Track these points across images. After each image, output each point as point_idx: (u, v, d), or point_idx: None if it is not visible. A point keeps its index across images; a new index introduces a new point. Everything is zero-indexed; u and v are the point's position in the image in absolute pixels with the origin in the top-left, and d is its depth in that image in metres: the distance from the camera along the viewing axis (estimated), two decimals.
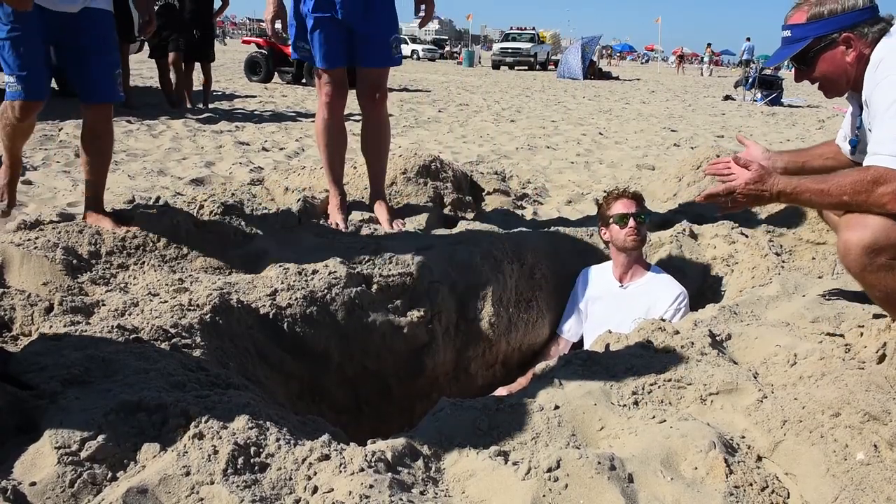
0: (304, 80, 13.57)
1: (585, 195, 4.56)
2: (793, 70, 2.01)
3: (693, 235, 3.50)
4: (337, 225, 3.16)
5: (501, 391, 2.63)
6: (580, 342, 3.15)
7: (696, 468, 1.46)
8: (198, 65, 8.67)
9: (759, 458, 1.54)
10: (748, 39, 24.63)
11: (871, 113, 1.76)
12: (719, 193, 1.88)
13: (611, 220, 3.06)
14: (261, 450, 1.44)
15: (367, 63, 3.21)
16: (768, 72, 14.92)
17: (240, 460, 1.39)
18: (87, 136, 2.80)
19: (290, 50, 3.42)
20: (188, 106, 8.30)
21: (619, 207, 3.05)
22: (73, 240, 2.53)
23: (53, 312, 2.05)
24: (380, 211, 3.29)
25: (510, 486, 1.38)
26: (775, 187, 1.82)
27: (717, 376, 1.80)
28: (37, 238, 2.47)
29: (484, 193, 4.14)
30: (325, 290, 2.43)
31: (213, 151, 5.89)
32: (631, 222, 3.00)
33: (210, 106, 8.62)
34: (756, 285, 2.85)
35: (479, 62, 36.21)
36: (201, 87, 8.79)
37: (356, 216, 3.28)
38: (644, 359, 1.94)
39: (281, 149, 6.23)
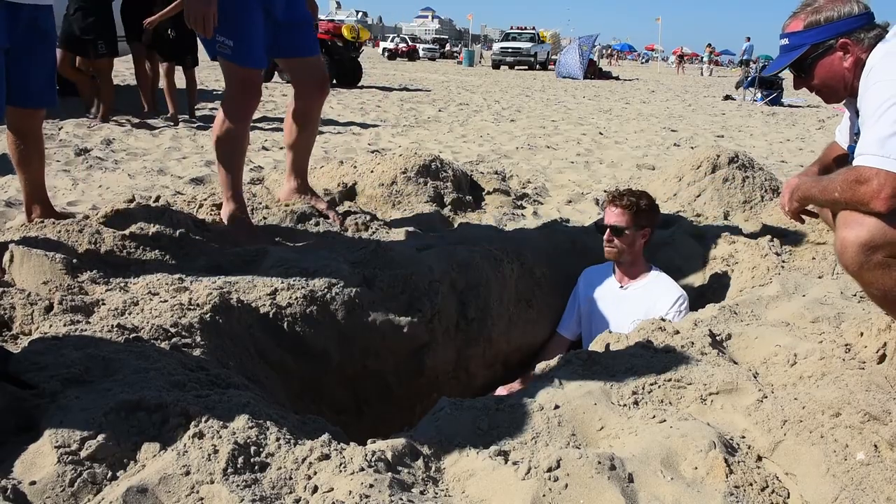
0: None
1: (585, 195, 4.56)
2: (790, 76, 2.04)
3: (693, 235, 3.49)
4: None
5: (501, 391, 2.63)
6: (580, 342, 3.15)
7: (696, 468, 1.46)
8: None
9: (759, 458, 1.54)
10: (748, 39, 24.69)
11: (862, 117, 1.78)
12: (786, 213, 2.10)
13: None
14: (261, 449, 1.44)
15: (311, 52, 3.03)
16: None
17: (240, 460, 1.39)
18: (27, 141, 2.68)
19: None
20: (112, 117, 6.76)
21: (605, 215, 3.04)
22: (73, 239, 2.52)
23: (53, 312, 2.05)
24: (318, 201, 3.26)
25: (510, 486, 1.38)
26: (798, 190, 1.98)
27: (718, 376, 1.80)
28: (37, 237, 2.47)
29: (484, 193, 4.14)
30: (325, 290, 2.43)
31: (213, 150, 5.88)
32: (606, 234, 2.98)
33: (198, 115, 7.54)
34: (756, 285, 2.85)
35: (480, 62, 36.21)
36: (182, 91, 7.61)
37: (356, 216, 3.28)
38: (644, 359, 1.94)
39: (281, 148, 6.22)
